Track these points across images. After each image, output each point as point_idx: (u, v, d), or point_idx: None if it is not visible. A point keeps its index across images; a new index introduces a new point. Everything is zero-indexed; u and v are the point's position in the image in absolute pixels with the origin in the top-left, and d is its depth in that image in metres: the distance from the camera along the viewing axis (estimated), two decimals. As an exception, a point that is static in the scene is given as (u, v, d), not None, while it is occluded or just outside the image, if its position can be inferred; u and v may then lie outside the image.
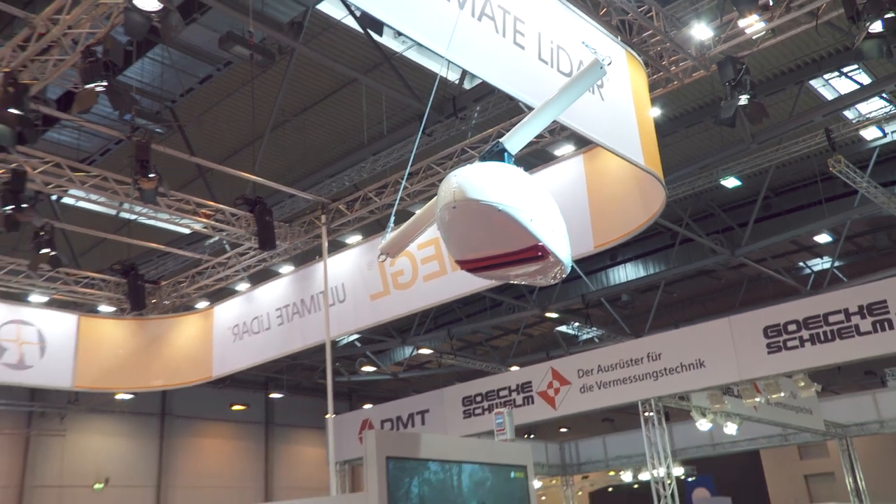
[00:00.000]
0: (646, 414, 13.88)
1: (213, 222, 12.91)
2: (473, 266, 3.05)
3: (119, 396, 21.71)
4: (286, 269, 14.41)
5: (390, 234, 3.86)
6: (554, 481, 27.09)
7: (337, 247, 13.18)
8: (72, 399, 22.06)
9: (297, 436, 28.62)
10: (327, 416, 12.88)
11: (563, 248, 2.99)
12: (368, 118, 12.32)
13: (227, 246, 14.73)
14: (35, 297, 14.51)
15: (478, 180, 2.80)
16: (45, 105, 9.94)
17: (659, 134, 8.83)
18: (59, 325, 14.62)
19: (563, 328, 22.44)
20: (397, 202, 6.70)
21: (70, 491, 22.62)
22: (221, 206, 12.73)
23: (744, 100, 8.73)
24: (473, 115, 11.91)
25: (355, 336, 18.38)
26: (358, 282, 12.71)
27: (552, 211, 3.01)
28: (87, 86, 7.80)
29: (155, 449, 25.18)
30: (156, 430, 25.36)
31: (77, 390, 15.96)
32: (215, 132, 13.13)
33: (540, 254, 2.88)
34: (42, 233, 11.38)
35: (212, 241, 15.09)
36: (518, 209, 2.77)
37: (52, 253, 11.59)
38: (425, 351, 22.56)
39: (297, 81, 11.89)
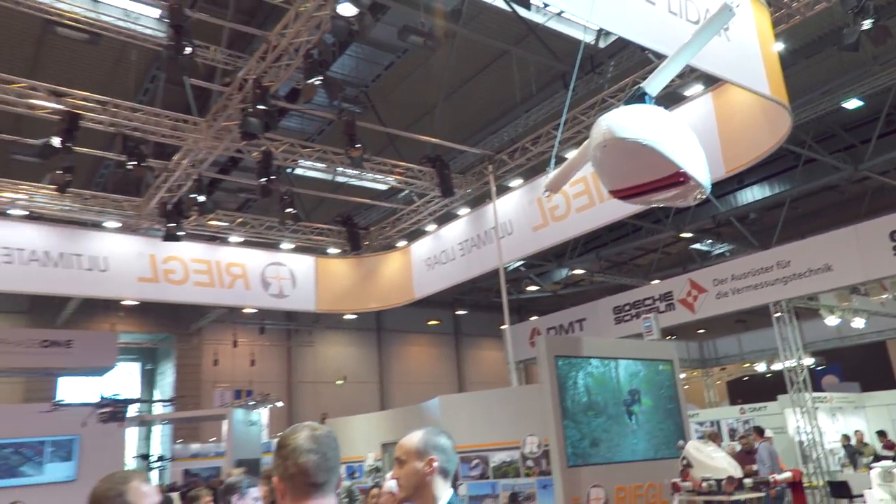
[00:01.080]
0: (776, 315, 13.13)
1: (404, 178, 13.31)
2: (624, 194, 2.99)
3: (347, 316, 23.20)
4: (463, 211, 14.63)
5: (552, 174, 3.81)
6: (695, 373, 26.31)
7: (503, 190, 13.24)
8: (315, 319, 23.79)
9: (480, 343, 29.40)
10: (503, 327, 13.12)
11: (702, 172, 2.87)
12: (519, 82, 12.16)
13: (414, 197, 15.13)
14: (285, 245, 15.51)
15: (623, 121, 2.74)
16: (277, 100, 10.48)
17: (782, 66, 8.06)
18: (303, 265, 15.68)
19: (696, 246, 21.41)
20: (556, 147, 6.58)
21: (320, 385, 24.62)
22: (410, 164, 13.08)
23: (867, 24, 7.70)
24: (609, 70, 11.44)
25: (520, 262, 18.46)
26: (522, 217, 12.74)
27: (690, 141, 2.89)
28: (308, 81, 8.19)
29: (375, 354, 26.77)
30: (374, 341, 26.91)
31: (318, 312, 17.10)
32: (400, 107, 13.43)
33: (682, 179, 2.77)
34: (285, 197, 12.17)
35: (404, 193, 15.55)
36: (660, 142, 2.69)
37: (293, 211, 12.42)
38: (578, 271, 22.32)
39: (461, 58, 11.91)
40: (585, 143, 3.15)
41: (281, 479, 1.80)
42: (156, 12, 9.65)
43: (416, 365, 27.59)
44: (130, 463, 16.96)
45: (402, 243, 16.21)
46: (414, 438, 2.42)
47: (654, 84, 3.05)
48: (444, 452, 2.40)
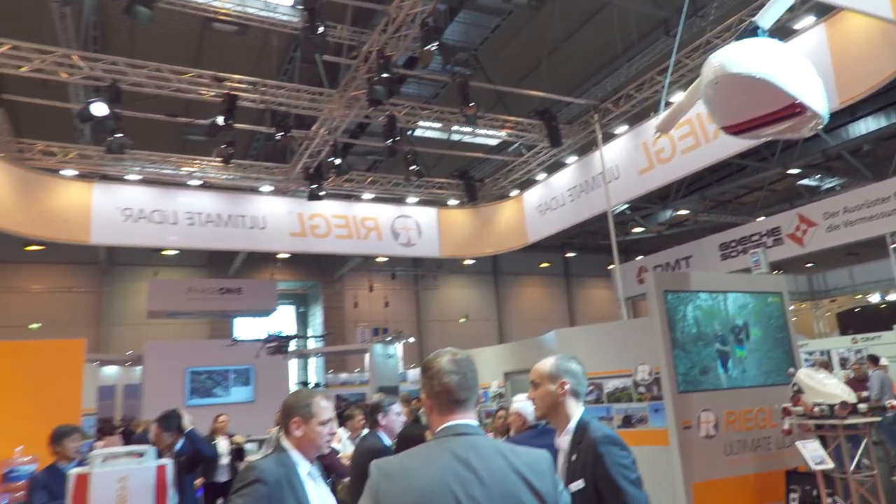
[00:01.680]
0: (893, 245, 11.99)
1: (515, 132, 13.15)
2: (737, 130, 2.82)
3: (466, 262, 23.53)
4: (571, 159, 14.30)
5: (662, 115, 3.67)
6: (803, 306, 24.63)
7: (608, 137, 12.78)
8: (439, 265, 24.31)
9: (588, 283, 28.93)
10: (610, 267, 12.85)
11: (819, 101, 2.64)
12: (621, 32, 11.56)
13: (523, 149, 14.94)
14: (410, 199, 15.89)
15: (735, 56, 2.58)
16: (398, 69, 10.57)
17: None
18: (427, 216, 16.00)
19: (805, 181, 19.73)
20: (666, 89, 6.20)
21: (445, 323, 25.25)
22: (519, 119, 12.89)
23: None
24: (711, 12, 10.62)
25: (626, 205, 17.83)
26: (628, 161, 12.27)
27: (806, 71, 2.65)
28: (425, 48, 8.21)
29: (493, 295, 27.04)
30: (492, 283, 27.14)
31: (442, 258, 17.45)
32: (507, 65, 13.18)
33: (798, 110, 2.57)
34: (408, 156, 12.40)
35: (514, 146, 15.38)
36: (774, 74, 2.50)
37: (416, 168, 12.65)
38: (683, 212, 21.25)
39: (563, 14, 11.47)
40: (694, 83, 3.00)
41: (428, 396, 1.87)
42: (290, 0, 9.98)
43: (530, 304, 27.64)
44: (293, 389, 18.35)
45: (514, 193, 16.13)
46: (546, 364, 2.49)
47: (768, 17, 2.84)
48: (575, 376, 2.45)
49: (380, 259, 22.55)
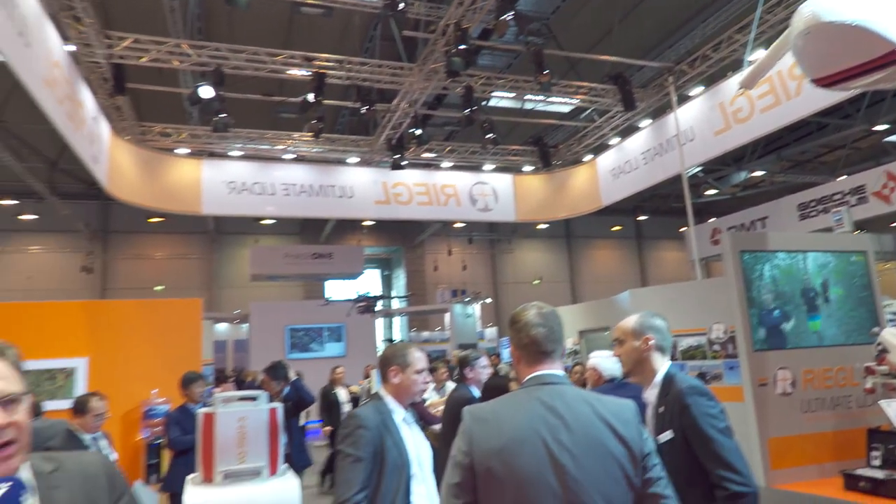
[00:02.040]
0: None
1: (588, 98, 12.71)
2: (829, 81, 2.57)
3: (540, 226, 23.22)
4: (645, 122, 13.71)
5: (746, 71, 3.42)
6: (888, 265, 22.78)
7: (683, 99, 12.13)
8: (514, 230, 24.13)
9: (659, 245, 27.92)
10: (682, 229, 12.32)
11: (921, 47, 2.35)
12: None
13: (595, 116, 14.44)
14: (487, 166, 15.80)
15: (828, 4, 2.33)
16: (473, 40, 10.40)
17: None
18: (503, 182, 15.85)
19: (892, 138, 18.03)
20: (751, 43, 5.75)
21: (520, 285, 25.12)
22: (592, 84, 12.43)
23: None
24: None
25: (699, 168, 16.98)
26: (703, 122, 11.62)
27: (905, 15, 2.36)
28: (500, 18, 8.03)
29: (566, 258, 26.63)
30: (565, 247, 26.70)
31: (517, 222, 17.30)
32: (579, 33, 12.67)
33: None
34: (485, 124, 12.27)
35: (586, 112, 14.90)
36: (871, 20, 2.25)
37: (492, 136, 12.50)
38: (758, 173, 20.00)
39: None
40: (782, 36, 2.76)
41: (516, 348, 1.86)
42: (371, -21, 9.95)
43: (602, 266, 27.05)
44: (380, 346, 18.93)
45: (588, 157, 15.68)
46: (630, 321, 2.43)
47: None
48: (659, 332, 2.38)
49: (458, 225, 22.65)
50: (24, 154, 14.44)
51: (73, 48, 9.19)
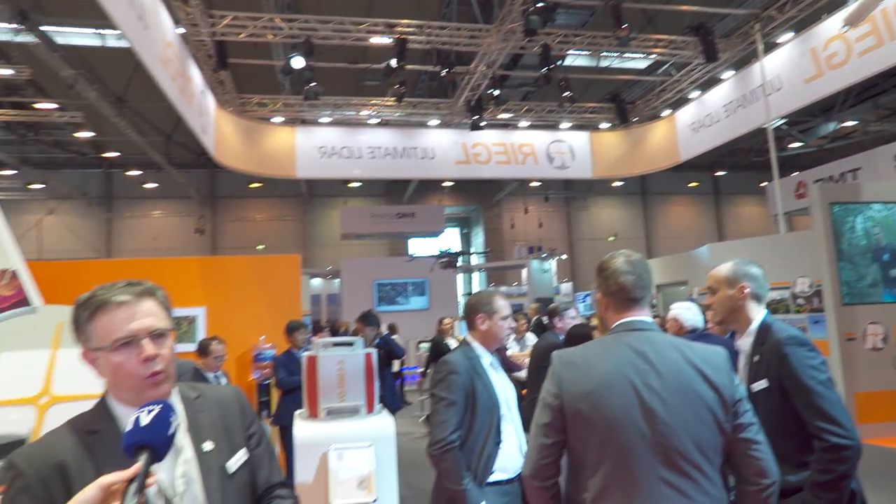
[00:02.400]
0: None
1: (668, 51, 11.92)
2: None
3: (615, 183, 22.42)
4: (727, 74, 12.73)
5: (852, 7, 3.06)
6: None
7: (770, 47, 11.11)
8: (589, 187, 23.45)
9: (738, 201, 26.23)
10: (763, 184, 11.47)
11: None
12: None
13: (672, 70, 13.54)
14: (563, 125, 15.33)
15: None
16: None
17: None
18: (580, 140, 15.34)
19: None
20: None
21: (596, 242, 24.51)
22: (671, 37, 11.62)
23: None
24: None
25: (782, 120, 15.65)
26: (792, 70, 10.61)
27: None
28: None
29: (641, 215, 25.64)
30: (640, 203, 25.69)
31: (594, 179, 16.77)
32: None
33: None
34: (562, 83, 11.85)
35: (664, 67, 14.00)
36: None
37: (569, 94, 12.07)
38: (850, 123, 18.16)
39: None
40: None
41: (604, 295, 1.81)
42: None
43: (678, 222, 25.84)
44: (461, 300, 19.19)
45: (666, 112, 14.84)
46: (724, 269, 2.30)
47: None
48: (755, 279, 2.24)
49: (534, 183, 22.26)
50: (145, 129, 15.42)
51: (182, 30, 9.60)
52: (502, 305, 2.62)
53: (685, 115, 13.98)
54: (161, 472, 1.16)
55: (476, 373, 2.46)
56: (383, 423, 3.21)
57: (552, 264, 18.41)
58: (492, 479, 2.40)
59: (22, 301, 3.80)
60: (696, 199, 26.25)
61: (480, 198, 24.07)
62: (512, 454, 2.46)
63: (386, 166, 14.04)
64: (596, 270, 1.87)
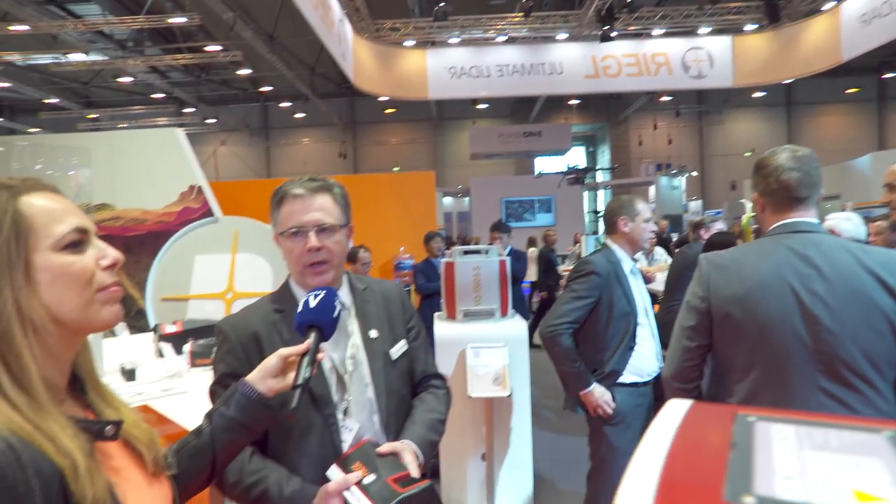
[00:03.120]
0: None
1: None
2: None
3: (755, 94, 19.81)
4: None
5: None
6: None
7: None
8: (725, 99, 20.99)
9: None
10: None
11: None
12: None
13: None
14: (702, 30, 13.53)
15: None
16: None
17: None
18: (720, 45, 13.50)
19: None
20: None
21: (730, 158, 22.25)
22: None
23: None
24: None
25: None
26: None
27: None
28: None
29: (783, 127, 22.53)
30: (783, 115, 22.54)
31: (730, 89, 14.79)
32: None
33: None
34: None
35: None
36: None
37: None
38: None
39: None
40: None
41: (761, 194, 1.60)
42: None
43: (829, 134, 22.29)
44: (586, 217, 18.64)
45: (828, 5, 12.46)
46: (904, 165, 1.93)
47: None
48: None
49: (664, 98, 20.42)
50: (293, 63, 16.14)
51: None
52: (644, 208, 2.48)
53: (853, 5, 11.60)
54: (334, 353, 1.24)
55: (616, 277, 2.37)
56: (516, 326, 3.25)
57: (682, 181, 17.07)
58: (626, 381, 2.35)
59: (207, 212, 4.29)
60: (854, 108, 22.40)
61: (607, 115, 22.59)
62: (647, 358, 2.40)
63: (514, 84, 13.49)
64: (753, 169, 1.65)
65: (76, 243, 0.73)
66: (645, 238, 2.46)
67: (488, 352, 2.97)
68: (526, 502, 3.13)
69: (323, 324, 1.08)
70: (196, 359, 2.18)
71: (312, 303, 1.10)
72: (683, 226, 13.98)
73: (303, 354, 1.03)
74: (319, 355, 1.05)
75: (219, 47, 14.09)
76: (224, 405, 1.00)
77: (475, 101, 18.88)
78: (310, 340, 1.05)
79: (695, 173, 20.42)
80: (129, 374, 2.17)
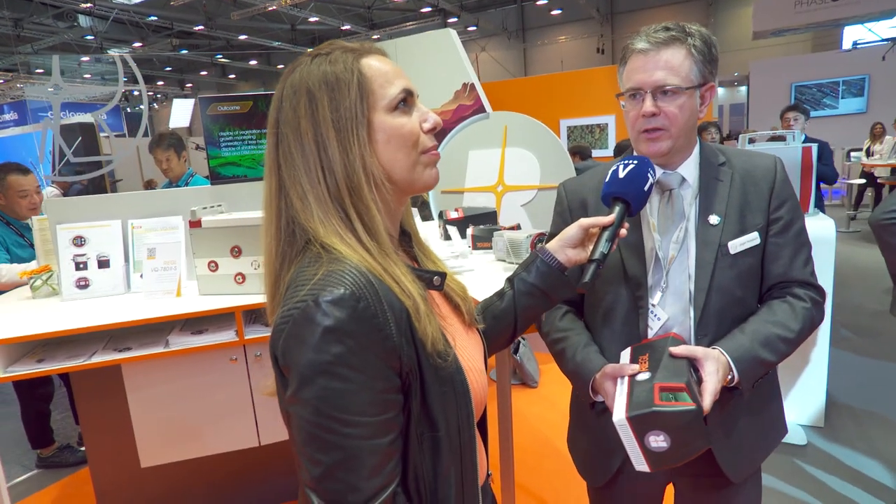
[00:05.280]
0: None
1: None
2: None
3: None
4: None
5: None
6: None
7: None
8: None
9: None
10: None
11: None
12: None
13: None
14: None
15: None
16: None
17: None
18: None
19: None
20: None
21: None
22: None
23: None
24: None
25: None
26: None
27: None
28: None
29: None
30: None
31: None
32: None
33: None
34: None
35: None
36: None
37: None
38: None
39: None
40: None
41: None
42: None
43: None
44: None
45: None
46: None
47: None
48: None
49: None
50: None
51: None
52: None
53: None
54: (661, 234, 1.09)
55: None
56: (824, 225, 2.69)
57: None
58: None
59: (480, 108, 4.39)
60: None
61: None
62: None
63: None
64: None
65: (404, 105, 0.72)
66: None
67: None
68: (817, 415, 2.83)
69: (629, 196, 0.96)
70: (477, 242, 2.30)
71: (621, 173, 0.98)
72: None
73: (604, 227, 0.94)
74: (622, 231, 0.95)
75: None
76: (525, 271, 0.97)
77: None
78: (614, 214, 0.95)
79: None
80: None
